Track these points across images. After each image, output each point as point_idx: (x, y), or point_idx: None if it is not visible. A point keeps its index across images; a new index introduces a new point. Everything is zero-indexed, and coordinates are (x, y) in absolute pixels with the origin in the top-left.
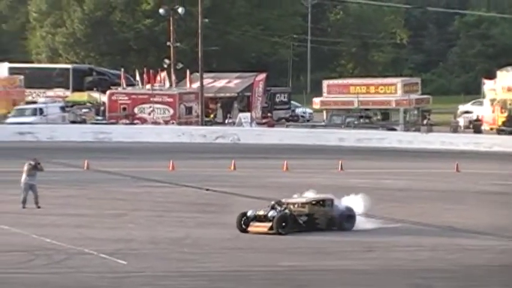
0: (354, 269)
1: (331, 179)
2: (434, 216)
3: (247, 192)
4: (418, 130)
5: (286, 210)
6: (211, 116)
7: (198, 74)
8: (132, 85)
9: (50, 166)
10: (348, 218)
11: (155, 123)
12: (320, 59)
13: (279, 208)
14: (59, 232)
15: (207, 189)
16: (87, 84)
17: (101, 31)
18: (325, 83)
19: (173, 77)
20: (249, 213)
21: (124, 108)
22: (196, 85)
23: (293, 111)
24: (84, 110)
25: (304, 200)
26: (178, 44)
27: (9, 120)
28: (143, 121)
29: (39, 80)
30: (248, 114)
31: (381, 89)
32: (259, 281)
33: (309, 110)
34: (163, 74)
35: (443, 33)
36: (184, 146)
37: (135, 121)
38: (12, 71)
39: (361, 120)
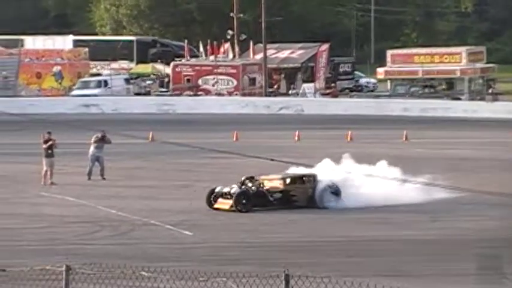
0: (418, 239)
1: (396, 149)
2: (501, 186)
3: (312, 162)
4: (483, 99)
5: (253, 187)
6: (275, 86)
7: (261, 45)
8: (196, 56)
9: (115, 138)
10: (331, 195)
11: (219, 94)
12: (384, 29)
13: (250, 184)
14: (124, 203)
15: (272, 160)
16: (151, 56)
17: (164, 2)
18: (389, 52)
19: (236, 48)
20: (217, 189)
21: (188, 80)
22: (259, 56)
23: (357, 81)
24: (148, 82)
25: (279, 176)
26: (241, 15)
27: (74, 92)
28: (207, 92)
29: (104, 53)
30: (312, 85)
31: (446, 58)
32: (332, 251)
33: (373, 80)
34: (227, 45)
35: (508, 1)
36: (247, 117)
37: (199, 92)
38: (76, 44)
39: (426, 90)
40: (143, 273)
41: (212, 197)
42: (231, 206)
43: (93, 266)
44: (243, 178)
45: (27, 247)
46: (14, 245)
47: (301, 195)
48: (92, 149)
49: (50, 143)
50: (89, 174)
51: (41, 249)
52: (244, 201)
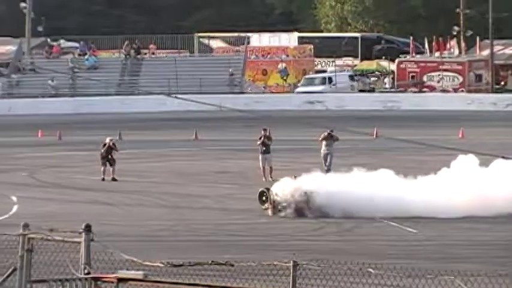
0: None
1: None
2: None
3: None
4: None
5: None
6: (502, 83)
7: (488, 41)
8: (421, 53)
9: (341, 135)
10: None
11: (444, 91)
12: None
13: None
14: None
15: (503, 157)
16: (375, 53)
17: None
18: None
19: (462, 44)
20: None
21: (413, 77)
22: (486, 52)
23: None
24: (372, 79)
25: None
26: (468, 11)
27: (298, 89)
28: (431, 89)
29: (328, 49)
30: None
31: None
32: None
33: None
34: (453, 41)
35: None
36: (473, 114)
37: (424, 89)
38: (301, 41)
39: None
40: (370, 270)
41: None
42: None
43: (320, 262)
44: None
45: (254, 242)
46: (242, 240)
47: None
48: (322, 147)
49: (261, 139)
50: (327, 171)
51: (267, 244)
52: None
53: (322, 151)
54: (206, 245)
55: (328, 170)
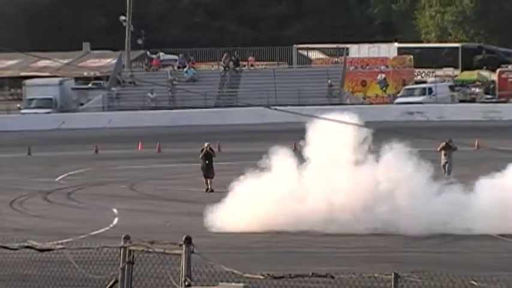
0: None
1: None
2: None
3: None
4: None
5: None
6: None
7: None
8: None
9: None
10: None
11: None
12: None
13: None
14: None
15: None
16: (476, 63)
17: (491, 8)
18: None
19: None
20: None
21: None
22: None
23: None
24: (473, 89)
25: None
26: None
27: (398, 100)
28: None
29: (428, 60)
30: None
31: None
32: None
33: None
34: None
35: None
36: None
37: None
38: (401, 51)
39: None
40: (473, 282)
41: None
42: None
43: (421, 274)
44: None
45: (355, 254)
46: (340, 252)
47: None
48: (442, 157)
49: None
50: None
51: (366, 256)
52: None
53: (441, 160)
54: (304, 256)
55: (448, 178)
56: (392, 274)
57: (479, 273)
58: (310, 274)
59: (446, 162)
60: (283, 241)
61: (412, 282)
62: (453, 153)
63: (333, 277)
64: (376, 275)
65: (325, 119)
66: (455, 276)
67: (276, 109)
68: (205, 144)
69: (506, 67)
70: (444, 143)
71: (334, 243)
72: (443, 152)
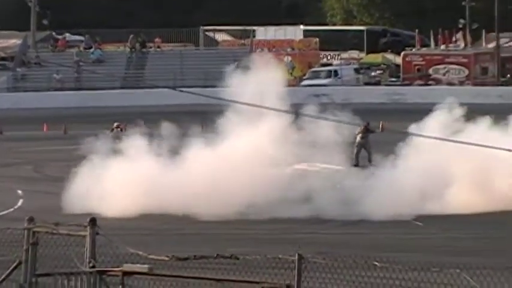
0: None
1: None
2: None
3: None
4: None
5: None
6: (508, 76)
7: (494, 34)
8: (427, 46)
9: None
10: None
11: (450, 83)
12: None
13: None
14: None
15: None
16: (381, 46)
17: None
18: None
19: (468, 37)
20: None
21: (418, 69)
22: (492, 45)
23: None
24: (378, 72)
25: None
26: (473, 3)
27: (304, 82)
28: (437, 82)
29: (334, 42)
30: None
31: None
32: None
33: None
34: (459, 34)
35: None
36: (480, 107)
37: (429, 82)
38: (307, 34)
39: None
40: (376, 263)
41: None
42: None
43: (325, 255)
44: None
45: (259, 236)
46: (246, 233)
47: None
48: (357, 139)
49: None
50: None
51: (272, 238)
52: None
53: (355, 144)
54: (210, 238)
55: (369, 160)
56: (296, 255)
57: (382, 254)
58: (215, 255)
59: (361, 146)
60: (190, 224)
61: (316, 263)
62: (370, 136)
63: (237, 258)
64: (280, 256)
65: (231, 101)
66: (358, 257)
67: (181, 91)
68: (115, 124)
69: (411, 50)
70: (363, 126)
71: (241, 225)
72: (360, 135)
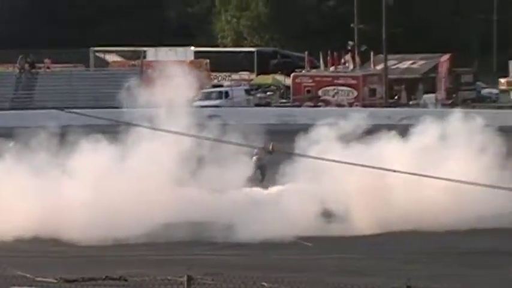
0: None
1: None
2: None
3: None
4: None
5: None
6: (396, 97)
7: (382, 56)
8: (316, 67)
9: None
10: None
11: (339, 105)
12: (507, 38)
13: None
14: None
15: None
16: (271, 67)
17: (285, 14)
18: (511, 63)
19: (357, 59)
20: None
21: (308, 91)
22: (380, 67)
23: (478, 92)
24: (268, 93)
25: None
26: (362, 26)
27: (196, 103)
28: (327, 103)
29: (224, 64)
30: (433, 96)
31: None
32: (456, 263)
33: (495, 91)
34: (347, 56)
35: None
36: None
37: (319, 103)
38: (197, 55)
39: None
40: (264, 283)
41: None
42: None
43: (214, 276)
44: None
45: (150, 257)
46: (136, 255)
47: None
48: (254, 160)
49: None
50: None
51: (162, 259)
52: None
53: (253, 165)
54: (99, 260)
55: (261, 181)
56: (185, 276)
57: (270, 275)
58: (104, 277)
59: (258, 168)
60: (77, 248)
61: (205, 284)
62: (267, 158)
63: (126, 280)
64: (169, 277)
65: (119, 122)
66: (248, 278)
67: (70, 112)
68: (10, 144)
69: (301, 71)
70: (261, 147)
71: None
72: (257, 156)
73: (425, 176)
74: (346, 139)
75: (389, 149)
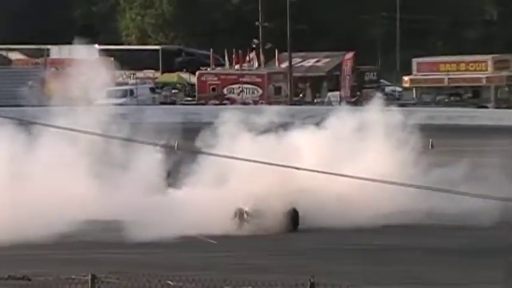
0: (442, 248)
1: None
2: None
3: None
4: (510, 107)
5: None
6: (300, 95)
7: (286, 54)
8: (222, 65)
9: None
10: None
11: (244, 103)
12: (410, 37)
13: None
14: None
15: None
16: (176, 65)
17: (189, 12)
18: (414, 61)
19: (262, 57)
20: None
21: (213, 89)
22: (285, 65)
23: (382, 89)
24: (174, 91)
25: None
26: (266, 24)
27: (99, 101)
28: (232, 101)
29: (129, 62)
30: (337, 93)
31: (471, 67)
32: (359, 259)
33: (398, 89)
34: (252, 54)
35: None
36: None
37: (224, 101)
38: (102, 53)
39: (452, 98)
40: (169, 282)
41: None
42: None
43: (119, 274)
44: None
45: (54, 256)
46: (40, 254)
47: None
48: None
49: None
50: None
51: (65, 258)
52: None
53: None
54: (5, 260)
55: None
56: (89, 275)
57: (178, 273)
58: (7, 277)
59: (165, 166)
60: None
61: (110, 283)
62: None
63: (29, 279)
64: (73, 276)
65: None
66: (152, 276)
67: None
68: None
69: (206, 69)
70: (165, 145)
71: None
72: (161, 155)
73: (329, 173)
74: (251, 136)
75: (297, 144)
